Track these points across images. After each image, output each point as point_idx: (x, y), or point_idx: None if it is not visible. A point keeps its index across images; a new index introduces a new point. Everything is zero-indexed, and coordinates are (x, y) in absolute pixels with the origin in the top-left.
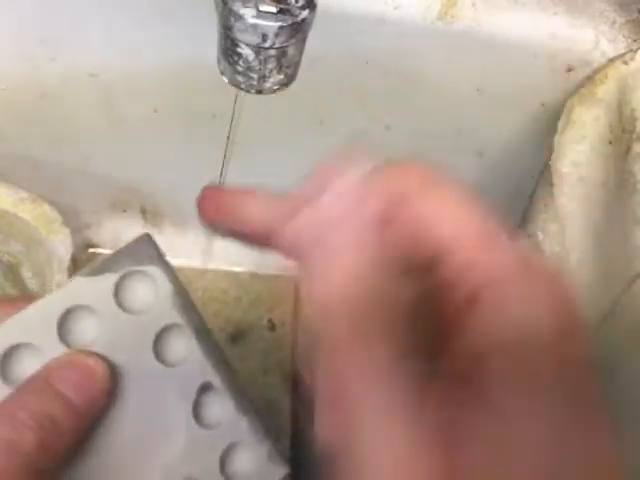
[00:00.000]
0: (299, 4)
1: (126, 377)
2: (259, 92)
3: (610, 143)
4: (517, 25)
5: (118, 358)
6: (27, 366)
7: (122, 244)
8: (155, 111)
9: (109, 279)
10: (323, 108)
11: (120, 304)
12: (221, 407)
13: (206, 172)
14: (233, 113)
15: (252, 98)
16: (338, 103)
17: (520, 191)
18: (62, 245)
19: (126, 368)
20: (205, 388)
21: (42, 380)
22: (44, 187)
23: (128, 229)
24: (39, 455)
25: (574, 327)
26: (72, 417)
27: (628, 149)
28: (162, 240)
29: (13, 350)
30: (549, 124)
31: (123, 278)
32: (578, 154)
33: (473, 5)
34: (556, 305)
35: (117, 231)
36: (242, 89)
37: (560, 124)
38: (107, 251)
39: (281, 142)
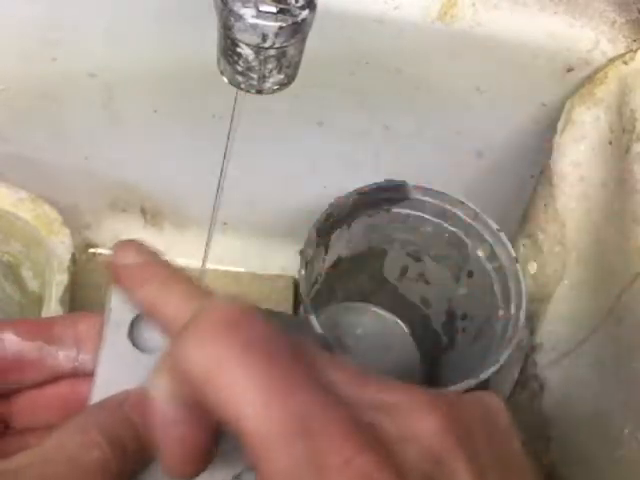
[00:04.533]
0: (299, 4)
1: None
2: (259, 92)
3: (610, 143)
4: (517, 25)
5: None
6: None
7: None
8: (155, 111)
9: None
10: (323, 108)
11: None
12: None
13: (206, 172)
14: (233, 113)
15: (252, 98)
16: (338, 103)
17: (520, 191)
18: (62, 245)
19: None
20: None
21: (116, 403)
22: (44, 187)
23: (128, 229)
24: (98, 475)
25: None
26: (137, 445)
27: (628, 149)
28: (162, 240)
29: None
30: (549, 124)
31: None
32: (578, 154)
33: (473, 5)
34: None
35: (117, 231)
36: (242, 89)
37: (560, 124)
38: (107, 251)
39: (281, 142)
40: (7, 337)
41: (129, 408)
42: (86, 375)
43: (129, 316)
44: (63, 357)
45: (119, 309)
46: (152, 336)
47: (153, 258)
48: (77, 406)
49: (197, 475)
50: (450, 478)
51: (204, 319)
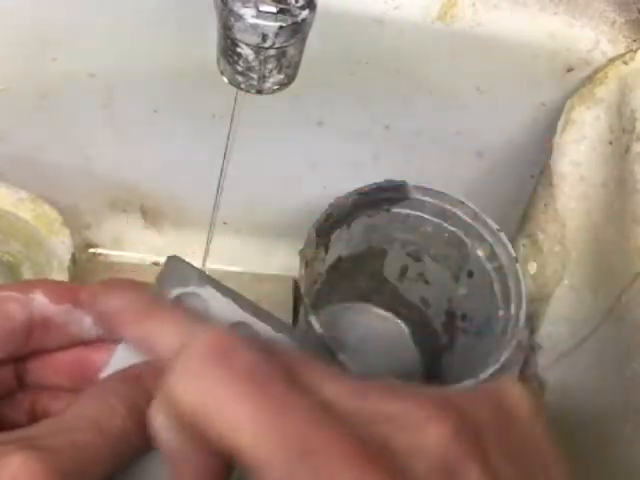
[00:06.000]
0: (299, 4)
1: None
2: (259, 92)
3: (610, 143)
4: (517, 25)
5: None
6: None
7: (122, 244)
8: (155, 111)
9: None
10: (323, 108)
11: None
12: None
13: (206, 172)
14: (233, 113)
15: (252, 98)
16: (338, 103)
17: (520, 191)
18: (62, 245)
19: None
20: None
21: (135, 374)
22: (44, 187)
23: (128, 229)
24: (122, 443)
25: None
26: None
27: (628, 149)
28: (162, 240)
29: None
30: (549, 124)
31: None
32: (578, 154)
33: (473, 5)
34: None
35: (117, 231)
36: (242, 89)
37: (560, 124)
38: (107, 251)
39: (281, 142)
40: (37, 297)
41: (148, 380)
42: (107, 343)
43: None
44: (88, 323)
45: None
46: None
47: (136, 296)
48: (90, 373)
49: None
50: None
51: (190, 353)
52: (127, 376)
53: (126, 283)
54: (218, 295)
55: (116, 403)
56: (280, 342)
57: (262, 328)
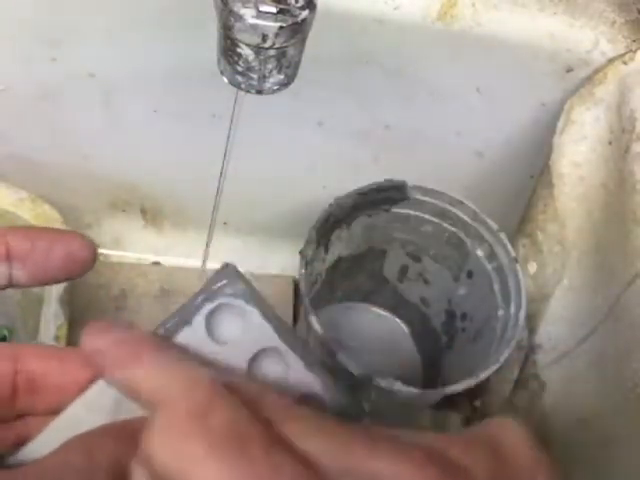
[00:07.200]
0: (299, 4)
1: None
2: (259, 92)
3: (610, 143)
4: (517, 25)
5: None
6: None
7: (122, 244)
8: (155, 111)
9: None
10: (323, 108)
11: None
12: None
13: (206, 172)
14: (233, 113)
15: (252, 98)
16: (338, 103)
17: (520, 191)
18: None
19: None
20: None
21: (128, 431)
22: (44, 187)
23: (128, 229)
24: None
25: None
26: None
27: (628, 149)
28: (162, 240)
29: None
30: (549, 124)
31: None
32: (578, 154)
33: (473, 5)
34: None
35: (117, 231)
36: (242, 89)
37: (560, 124)
38: (107, 251)
39: (281, 142)
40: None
41: (133, 436)
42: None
43: None
44: None
45: None
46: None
47: (122, 336)
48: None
49: None
50: None
51: (168, 409)
52: (119, 432)
53: (110, 323)
54: (258, 315)
55: (101, 461)
56: (302, 378)
57: (293, 360)
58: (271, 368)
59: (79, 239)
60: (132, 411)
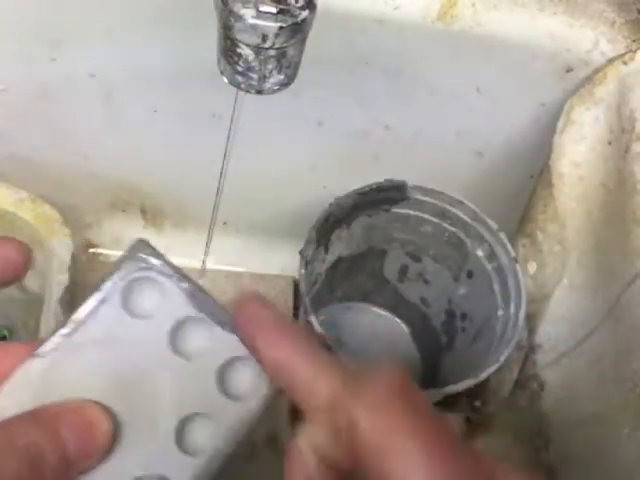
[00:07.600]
0: (299, 4)
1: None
2: (259, 92)
3: (609, 143)
4: (517, 25)
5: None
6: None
7: (122, 244)
8: (155, 111)
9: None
10: (323, 108)
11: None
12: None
13: (206, 172)
14: (233, 113)
15: (252, 98)
16: (338, 103)
17: (520, 191)
18: (62, 245)
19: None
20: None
21: (48, 416)
22: (44, 187)
23: (128, 229)
24: None
25: None
26: (60, 465)
27: (627, 149)
28: (162, 240)
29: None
30: (549, 124)
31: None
32: (578, 154)
33: (473, 5)
34: None
35: (117, 231)
36: (242, 89)
37: (560, 124)
38: (107, 251)
39: (281, 142)
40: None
41: (62, 423)
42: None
43: None
44: None
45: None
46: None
47: (284, 319)
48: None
49: None
50: None
51: (377, 386)
52: (39, 418)
53: (260, 299)
54: (173, 285)
55: (19, 445)
56: (225, 342)
57: (211, 326)
58: (193, 336)
59: (14, 244)
60: (51, 397)
